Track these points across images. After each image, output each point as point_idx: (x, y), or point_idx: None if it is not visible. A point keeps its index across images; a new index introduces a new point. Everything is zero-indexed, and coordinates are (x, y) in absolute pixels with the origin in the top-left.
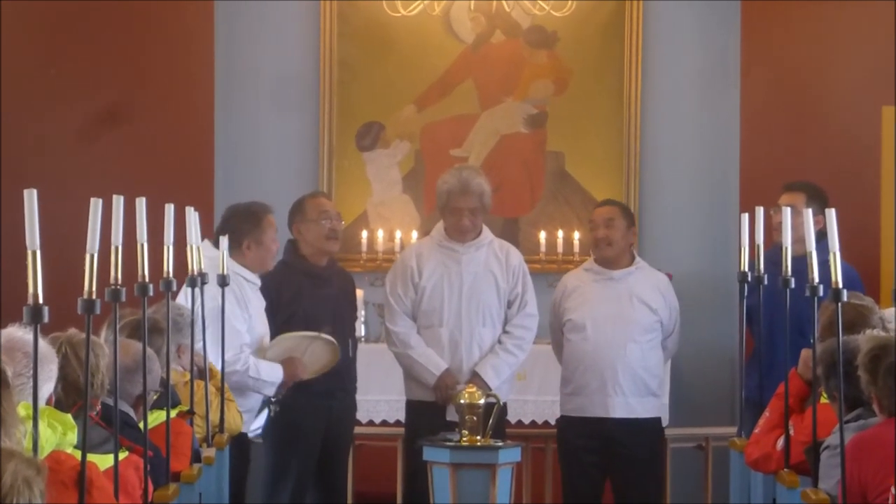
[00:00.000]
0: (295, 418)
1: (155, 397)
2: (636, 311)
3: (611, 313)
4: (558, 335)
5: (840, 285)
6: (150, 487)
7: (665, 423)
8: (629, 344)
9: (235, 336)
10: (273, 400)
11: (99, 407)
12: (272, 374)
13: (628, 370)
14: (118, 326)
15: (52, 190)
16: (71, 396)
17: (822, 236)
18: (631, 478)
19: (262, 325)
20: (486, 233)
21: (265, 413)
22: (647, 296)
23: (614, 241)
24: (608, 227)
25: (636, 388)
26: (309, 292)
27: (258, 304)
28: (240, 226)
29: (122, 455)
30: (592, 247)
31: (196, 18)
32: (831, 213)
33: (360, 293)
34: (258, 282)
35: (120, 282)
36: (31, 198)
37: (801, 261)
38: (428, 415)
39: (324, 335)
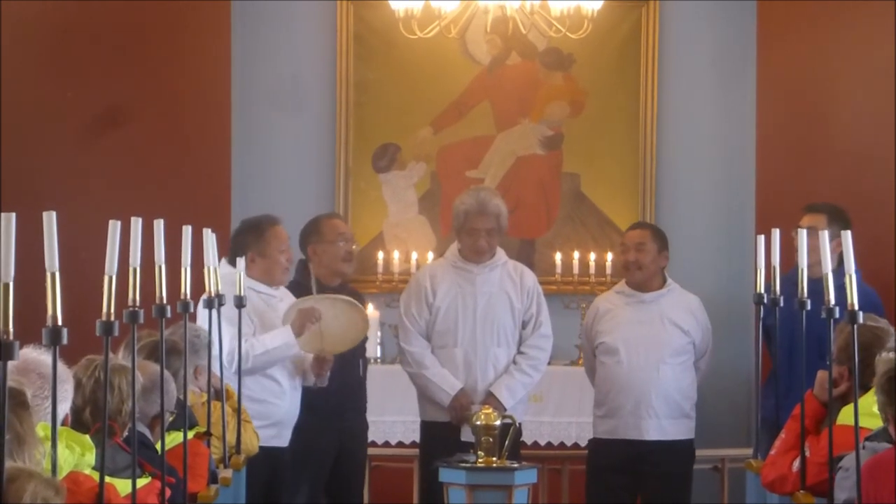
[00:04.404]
0: (307, 439)
1: (171, 419)
2: (668, 333)
3: (643, 336)
4: (590, 358)
5: (856, 307)
6: None
7: None
8: (661, 366)
9: (233, 338)
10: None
11: (126, 433)
12: (277, 337)
13: (661, 393)
14: (136, 348)
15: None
16: (98, 420)
17: (842, 258)
18: (663, 497)
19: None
20: (500, 254)
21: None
22: (678, 318)
23: (644, 265)
24: (638, 251)
25: (669, 411)
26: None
27: (272, 314)
28: (244, 238)
29: (145, 481)
30: (623, 270)
31: (211, 40)
32: (847, 235)
33: (376, 314)
34: (273, 293)
35: (138, 303)
36: (49, 220)
37: (820, 283)
38: (442, 435)
39: (344, 297)
